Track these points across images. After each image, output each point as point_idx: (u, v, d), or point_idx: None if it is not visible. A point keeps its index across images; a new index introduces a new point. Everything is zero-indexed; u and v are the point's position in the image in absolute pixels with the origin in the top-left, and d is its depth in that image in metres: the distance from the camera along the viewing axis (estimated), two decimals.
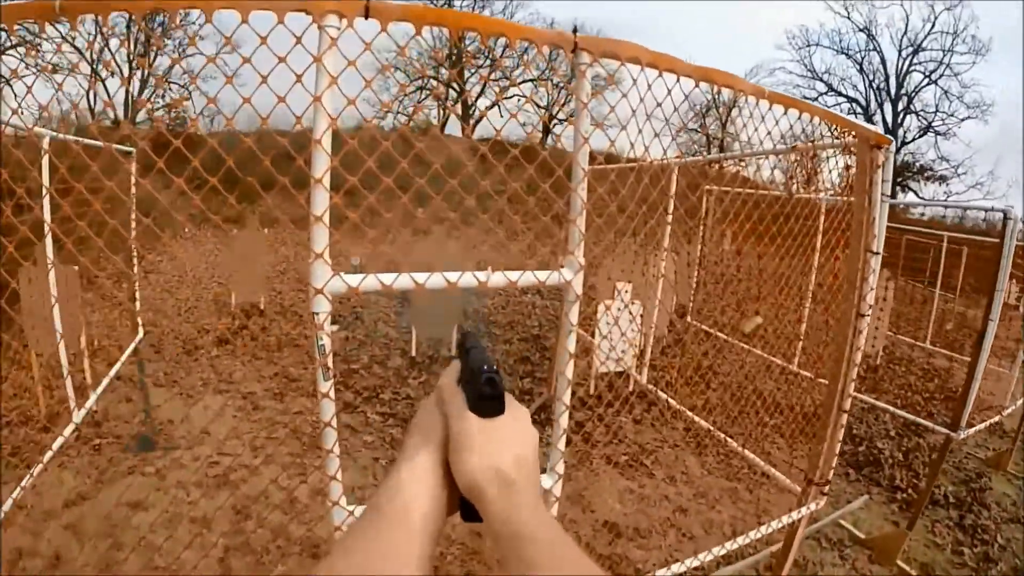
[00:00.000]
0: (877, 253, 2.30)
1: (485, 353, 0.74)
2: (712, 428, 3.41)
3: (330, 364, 1.25)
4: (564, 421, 1.50)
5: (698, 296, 6.01)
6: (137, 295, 5.98)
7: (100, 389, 4.35)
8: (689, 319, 5.84)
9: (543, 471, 1.55)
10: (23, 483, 2.78)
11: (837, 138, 2.28)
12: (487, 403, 0.67)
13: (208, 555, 3.35)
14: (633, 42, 1.29)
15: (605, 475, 4.37)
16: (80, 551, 3.35)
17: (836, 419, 2.45)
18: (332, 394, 1.27)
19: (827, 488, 2.55)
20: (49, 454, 3.08)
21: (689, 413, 3.88)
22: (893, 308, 8.21)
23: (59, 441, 3.38)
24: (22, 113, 1.38)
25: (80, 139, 3.86)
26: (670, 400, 4.05)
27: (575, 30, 1.27)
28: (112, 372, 4.53)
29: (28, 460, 3.68)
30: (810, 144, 2.45)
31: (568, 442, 4.50)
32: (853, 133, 2.19)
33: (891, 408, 5.35)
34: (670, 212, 4.31)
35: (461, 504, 0.66)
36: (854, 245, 2.33)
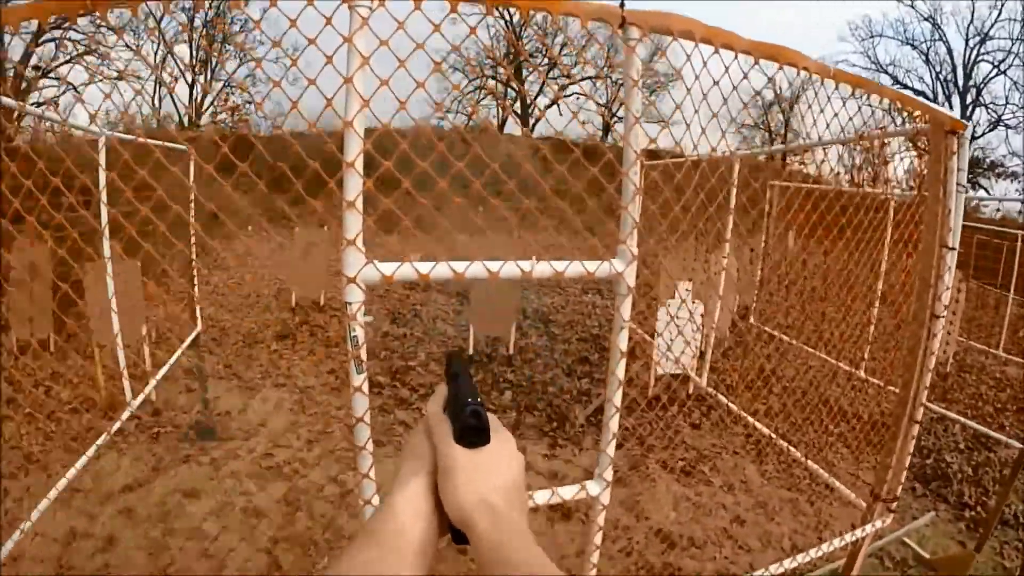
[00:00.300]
0: (952, 248, 2.12)
1: (470, 381, 0.77)
2: (774, 436, 3.21)
3: (363, 356, 1.18)
4: (614, 425, 1.39)
5: (761, 296, 5.77)
6: (196, 289, 6.12)
7: (156, 379, 4.44)
8: (752, 320, 5.61)
9: (591, 477, 1.45)
10: (75, 467, 2.82)
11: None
12: (472, 434, 0.69)
13: (257, 546, 3.37)
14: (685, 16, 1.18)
15: (661, 481, 4.22)
16: (132, 535, 3.41)
17: (907, 430, 2.27)
18: (365, 388, 1.21)
19: (895, 505, 2.36)
20: (101, 439, 3.12)
21: (750, 419, 3.68)
22: (964, 312, 7.74)
23: (114, 427, 3.44)
24: (95, 118, 1.41)
25: (135, 138, 3.96)
26: (730, 404, 3.85)
27: (622, 4, 1.17)
28: (169, 363, 4.63)
29: (88, 446, 3.78)
30: (879, 131, 2.25)
31: (621, 446, 4.37)
32: (926, 117, 2.00)
33: (961, 419, 5.00)
34: (732, 207, 4.11)
35: (451, 528, 0.67)
36: (927, 240, 2.15)
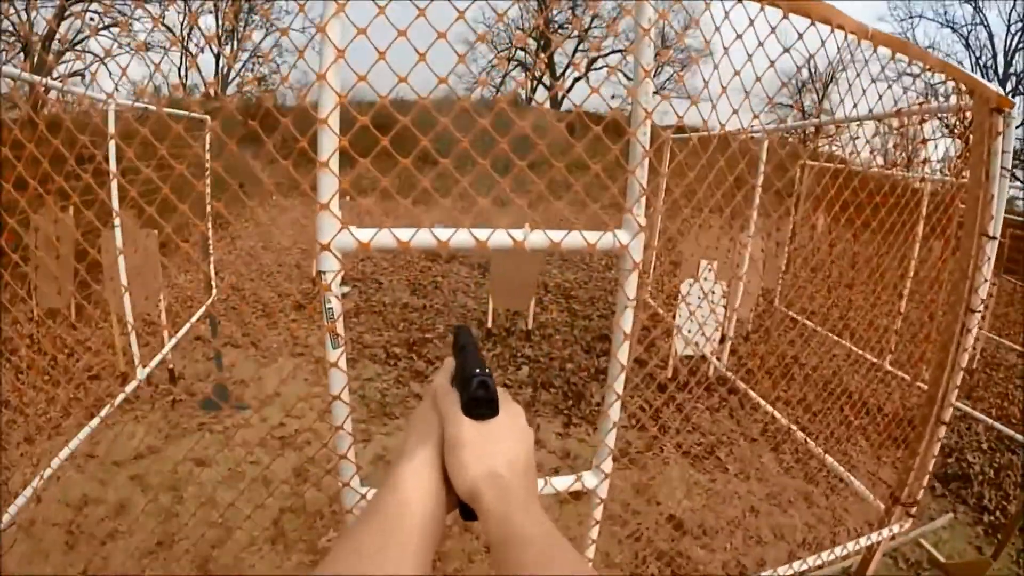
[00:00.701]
0: (993, 238, 1.94)
1: (478, 353, 0.75)
2: (792, 427, 3.07)
3: (340, 331, 1.09)
4: (615, 413, 1.29)
5: (786, 280, 5.60)
6: (211, 259, 6.12)
7: (167, 349, 4.44)
8: (776, 303, 5.45)
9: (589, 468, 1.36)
10: (78, 437, 2.82)
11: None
12: (480, 406, 0.68)
13: (264, 513, 3.36)
14: None
15: (675, 465, 4.12)
16: (143, 501, 3.42)
17: (932, 431, 2.13)
18: (343, 364, 1.12)
19: (914, 509, 2.22)
20: (105, 410, 3.12)
21: (767, 407, 3.54)
22: (994, 308, 7.46)
23: (119, 399, 3.44)
24: (117, 90, 1.34)
25: (146, 107, 3.93)
26: (749, 391, 3.72)
27: None
28: (180, 332, 4.63)
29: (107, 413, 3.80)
30: (917, 107, 2.08)
31: (638, 426, 4.27)
32: (969, 91, 1.83)
33: (986, 419, 4.79)
34: (759, 186, 3.95)
35: (459, 503, 0.66)
36: (967, 227, 1.98)
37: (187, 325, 4.80)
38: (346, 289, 7.69)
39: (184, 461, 3.77)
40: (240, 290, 7.72)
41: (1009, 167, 1.90)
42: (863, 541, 2.27)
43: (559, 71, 25.84)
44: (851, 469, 3.65)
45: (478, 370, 0.69)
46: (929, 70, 1.61)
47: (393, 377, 5.35)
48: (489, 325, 6.61)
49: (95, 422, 3.09)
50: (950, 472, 5.02)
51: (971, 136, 1.93)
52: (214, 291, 5.46)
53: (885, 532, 2.27)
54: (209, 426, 4.33)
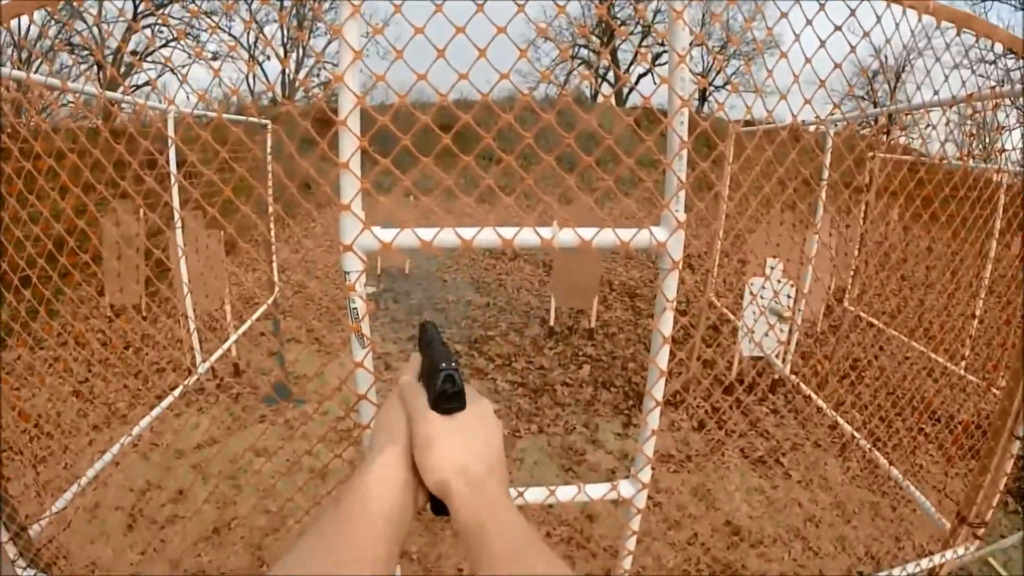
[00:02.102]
0: None
1: (444, 348, 0.74)
2: (857, 435, 2.89)
3: (365, 331, 1.07)
4: (653, 420, 1.22)
5: (857, 279, 5.34)
6: (274, 257, 6.28)
7: (227, 344, 4.56)
8: (847, 304, 5.19)
9: (629, 475, 1.30)
10: (141, 424, 2.94)
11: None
12: (448, 400, 0.67)
13: (318, 503, 3.41)
14: None
15: (736, 470, 3.98)
16: (203, 489, 3.53)
17: (1005, 447, 1.95)
18: (369, 364, 1.10)
19: (982, 531, 2.05)
20: (166, 402, 3.23)
21: (831, 413, 3.34)
22: None
23: (177, 391, 3.56)
24: (188, 98, 1.41)
25: (206, 114, 4.05)
26: (812, 394, 3.52)
27: None
28: (242, 328, 4.76)
29: (172, 404, 3.95)
30: (991, 91, 1.90)
31: (700, 428, 4.13)
32: None
33: None
34: (825, 179, 3.75)
35: (432, 498, 0.66)
36: None
37: (248, 322, 4.93)
38: (371, 289, 7.79)
39: (244, 452, 3.87)
40: (305, 288, 7.91)
41: None
42: (924, 563, 2.11)
43: (624, 67, 25.48)
44: (920, 480, 3.44)
45: (444, 364, 0.68)
46: (999, 44, 1.47)
47: None
48: (552, 323, 6.57)
49: (156, 412, 3.20)
50: None
51: None
52: (276, 290, 5.59)
53: (949, 554, 2.11)
54: (271, 419, 4.44)
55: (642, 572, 3.03)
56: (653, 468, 1.28)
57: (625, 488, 1.27)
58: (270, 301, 5.45)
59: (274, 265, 6.41)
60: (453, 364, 0.69)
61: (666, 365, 1.19)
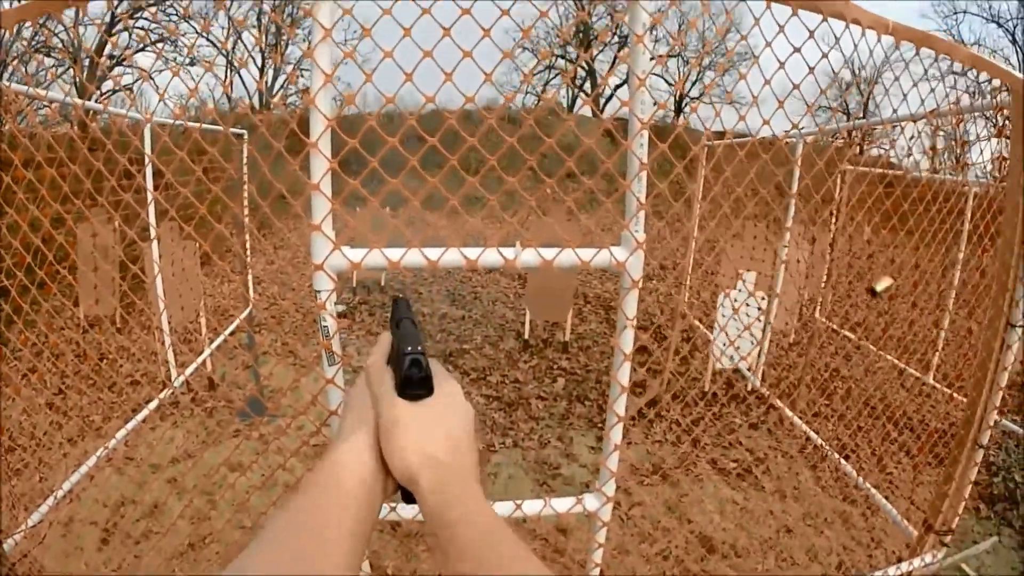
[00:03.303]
0: None
1: (413, 328, 0.72)
2: (827, 446, 2.94)
3: (336, 348, 1.09)
4: (616, 435, 1.25)
5: (827, 290, 5.44)
6: (250, 271, 6.25)
7: (201, 358, 4.53)
8: (817, 315, 5.30)
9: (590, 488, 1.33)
10: (116, 437, 2.92)
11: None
12: (414, 386, 0.65)
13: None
14: None
15: (709, 482, 4.02)
16: (177, 504, 3.50)
17: (969, 455, 1.99)
18: (340, 381, 1.12)
19: (948, 538, 2.10)
20: (141, 415, 3.21)
21: (802, 425, 3.40)
22: None
23: (152, 404, 3.54)
24: (164, 104, 1.40)
25: (178, 123, 4.06)
26: (781, 407, 3.58)
27: None
28: (215, 343, 4.73)
29: (147, 418, 3.91)
30: (952, 107, 1.96)
31: (674, 442, 4.15)
32: (1005, 85, 1.72)
33: None
34: (794, 191, 3.83)
35: (400, 487, 0.64)
36: (1006, 234, 1.82)
37: (222, 336, 4.90)
38: (341, 308, 7.76)
39: (219, 467, 3.84)
40: (280, 300, 7.86)
41: None
42: (892, 571, 2.15)
43: (600, 78, 25.69)
44: (891, 489, 3.50)
45: (410, 348, 0.66)
46: (960, 62, 1.53)
47: None
48: (527, 336, 6.59)
49: (131, 425, 3.17)
50: (996, 492, 4.78)
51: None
52: (251, 302, 5.56)
53: (917, 562, 2.14)
54: (246, 433, 4.40)
55: None
56: (619, 484, 1.31)
57: (590, 502, 1.30)
58: (244, 315, 5.41)
59: (249, 278, 6.37)
60: (420, 348, 0.67)
61: (627, 381, 1.21)
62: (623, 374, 1.21)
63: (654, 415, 4.84)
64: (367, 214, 8.24)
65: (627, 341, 1.18)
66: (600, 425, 4.85)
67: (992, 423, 1.94)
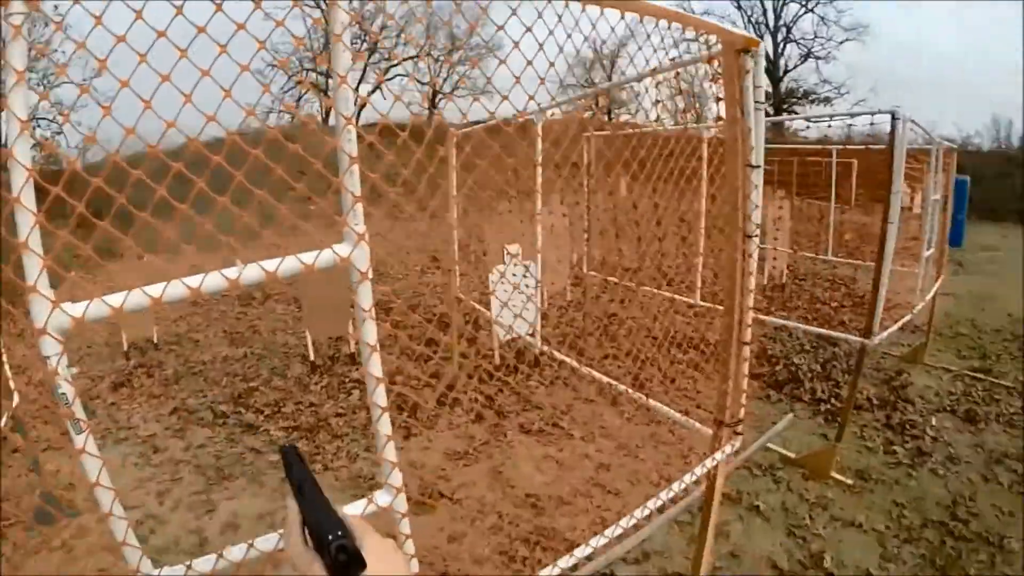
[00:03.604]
0: (757, 167, 2.09)
1: (317, 489, 0.73)
2: (613, 382, 3.25)
3: (79, 414, 1.05)
4: (385, 426, 1.32)
5: (591, 247, 5.95)
6: (5, 359, 5.47)
7: None
8: (585, 269, 5.79)
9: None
10: None
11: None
12: (347, 570, 0.64)
13: None
14: None
15: (520, 446, 4.23)
16: None
17: (738, 354, 2.26)
18: (92, 448, 1.07)
19: (740, 427, 2.37)
20: None
21: (586, 370, 3.69)
22: (792, 227, 8.46)
23: None
24: None
25: None
26: (565, 359, 3.85)
27: None
28: None
29: None
30: (672, 63, 2.25)
31: (479, 419, 4.30)
32: (717, 39, 2.00)
33: (802, 325, 5.44)
34: (538, 165, 4.14)
35: None
36: (730, 162, 2.12)
37: None
38: (74, 370, 7.11)
39: None
40: (48, 384, 6.92)
41: (763, 100, 2.09)
42: (698, 470, 2.37)
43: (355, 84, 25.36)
44: (692, 402, 3.91)
45: (331, 536, 0.65)
46: (671, 21, 1.79)
47: (224, 436, 5.09)
48: (312, 357, 6.48)
49: None
50: (781, 378, 5.59)
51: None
52: (15, 395, 4.86)
53: (719, 455, 2.38)
54: (47, 545, 3.89)
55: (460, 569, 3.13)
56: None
57: (381, 497, 1.34)
58: (9, 415, 4.73)
59: (6, 369, 5.56)
60: (338, 523, 0.67)
61: (380, 372, 1.29)
62: (374, 366, 1.27)
63: (452, 400, 5.00)
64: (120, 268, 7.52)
65: (369, 333, 1.25)
66: (403, 424, 4.91)
67: (750, 322, 2.22)
